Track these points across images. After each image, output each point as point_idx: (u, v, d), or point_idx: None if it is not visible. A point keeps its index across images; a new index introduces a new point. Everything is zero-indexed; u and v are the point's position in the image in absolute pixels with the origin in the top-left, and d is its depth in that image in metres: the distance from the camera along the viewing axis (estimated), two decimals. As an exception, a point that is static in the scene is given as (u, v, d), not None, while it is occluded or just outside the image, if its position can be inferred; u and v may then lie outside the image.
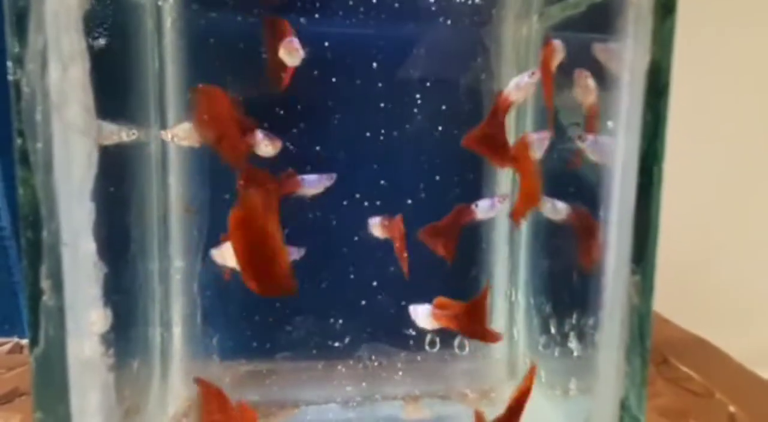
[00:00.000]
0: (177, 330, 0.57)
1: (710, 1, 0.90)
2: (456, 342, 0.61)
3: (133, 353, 0.45)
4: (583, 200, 0.46)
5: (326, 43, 0.56)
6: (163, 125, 0.53)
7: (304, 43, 0.52)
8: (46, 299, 0.30)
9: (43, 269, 0.30)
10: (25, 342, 0.75)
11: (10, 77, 0.30)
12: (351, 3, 0.55)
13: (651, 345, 0.40)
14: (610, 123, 0.40)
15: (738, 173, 1.02)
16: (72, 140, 0.30)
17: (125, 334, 0.41)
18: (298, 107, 0.56)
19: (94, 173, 0.31)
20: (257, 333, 0.59)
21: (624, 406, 0.39)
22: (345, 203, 0.58)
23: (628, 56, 0.39)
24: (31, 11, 0.29)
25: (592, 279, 0.44)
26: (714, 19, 0.89)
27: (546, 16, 0.55)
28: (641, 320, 0.39)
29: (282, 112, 0.56)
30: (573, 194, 0.48)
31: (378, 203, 0.58)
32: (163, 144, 0.53)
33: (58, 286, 0.31)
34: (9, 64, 0.30)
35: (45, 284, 0.30)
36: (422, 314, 0.49)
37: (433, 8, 0.57)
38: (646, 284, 0.39)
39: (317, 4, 0.55)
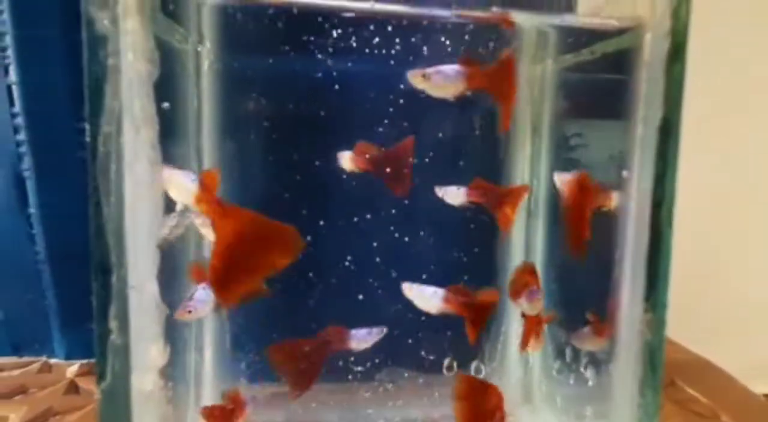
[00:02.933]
0: (208, 354, 0.59)
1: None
2: (473, 366, 0.64)
3: (174, 378, 0.47)
4: (598, 240, 0.49)
5: (344, 79, 0.59)
6: (200, 162, 0.56)
7: (319, 77, 0.56)
8: (114, 338, 0.33)
9: (112, 311, 0.33)
10: (53, 361, 0.78)
11: (87, 138, 0.33)
12: (365, 41, 0.58)
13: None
14: (624, 172, 0.43)
15: (739, 186, 1.04)
16: (141, 194, 0.33)
17: (171, 361, 0.44)
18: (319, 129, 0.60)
19: (159, 222, 0.34)
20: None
21: (639, 436, 0.42)
22: (366, 228, 0.61)
23: (641, 110, 0.42)
24: (109, 79, 0.32)
25: (607, 313, 0.47)
26: (718, 25, 0.89)
27: (560, 61, 0.58)
28: (653, 354, 0.42)
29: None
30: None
31: (395, 234, 0.61)
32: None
33: (124, 326, 0.34)
34: (86, 126, 0.33)
35: (113, 324, 0.33)
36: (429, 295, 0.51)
37: (450, 46, 0.60)
38: (658, 321, 0.41)
39: (342, 46, 0.58)
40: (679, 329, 0.83)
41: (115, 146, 0.32)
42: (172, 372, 0.38)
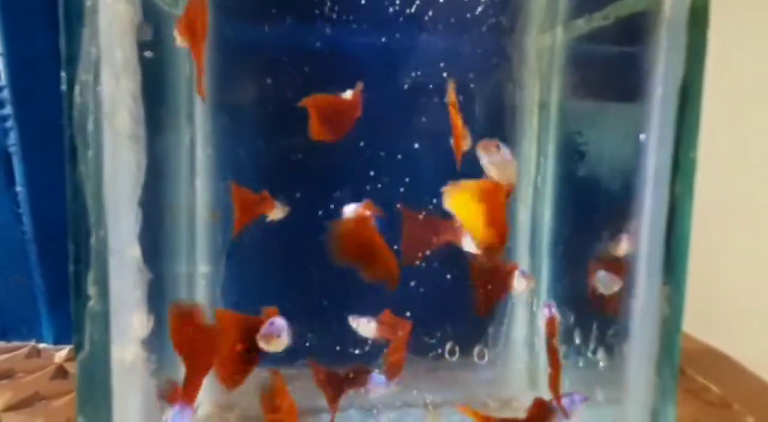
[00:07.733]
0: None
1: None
2: (476, 351, 0.61)
3: (159, 350, 0.45)
4: (613, 210, 0.46)
5: (354, 54, 0.57)
6: (192, 132, 0.54)
7: (323, 51, 0.54)
8: (92, 304, 0.31)
9: (90, 275, 0.31)
10: (42, 345, 0.75)
11: (63, 87, 0.30)
12: (376, 14, 0.56)
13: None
14: (642, 136, 0.40)
15: (742, 175, 1.02)
16: (122, 149, 0.31)
17: (155, 332, 0.41)
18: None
19: (142, 181, 0.32)
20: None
21: (655, 418, 0.39)
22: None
23: (660, 70, 0.39)
24: (86, 23, 0.29)
25: (620, 290, 0.44)
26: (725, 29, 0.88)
27: (571, 28, 0.55)
28: (671, 331, 0.39)
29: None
30: (604, 204, 0.48)
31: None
32: (191, 150, 0.54)
33: (103, 291, 0.31)
34: (63, 74, 0.30)
35: (91, 289, 0.31)
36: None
37: (456, 18, 0.57)
38: (677, 295, 0.39)
39: (342, 15, 0.55)
40: (688, 317, 0.81)
41: (92, 96, 0.30)
42: (157, 343, 0.36)
